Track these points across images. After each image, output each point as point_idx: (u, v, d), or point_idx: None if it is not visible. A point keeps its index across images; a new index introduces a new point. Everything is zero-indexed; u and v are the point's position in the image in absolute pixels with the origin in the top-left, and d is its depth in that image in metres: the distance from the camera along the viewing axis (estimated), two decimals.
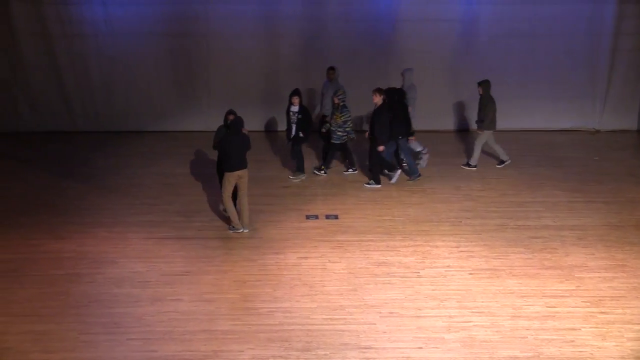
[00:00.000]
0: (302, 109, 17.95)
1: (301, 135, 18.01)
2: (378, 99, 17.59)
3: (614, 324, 12.42)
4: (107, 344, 11.84)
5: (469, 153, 19.86)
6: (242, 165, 15.23)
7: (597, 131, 22.46)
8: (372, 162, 18.04)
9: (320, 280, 13.74)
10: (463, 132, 22.18)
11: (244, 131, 15.28)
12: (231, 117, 15.41)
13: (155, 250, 14.81)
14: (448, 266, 14.28)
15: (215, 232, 15.43)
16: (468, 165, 19.24)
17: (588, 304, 12.99)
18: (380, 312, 12.72)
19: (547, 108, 22.12)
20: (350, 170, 18.76)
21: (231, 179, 15.18)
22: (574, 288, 13.50)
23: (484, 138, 19.05)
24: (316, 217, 16.39)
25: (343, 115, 17.96)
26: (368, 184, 18.02)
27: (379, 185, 17.98)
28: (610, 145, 21.34)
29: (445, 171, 18.98)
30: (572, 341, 11.97)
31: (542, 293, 13.34)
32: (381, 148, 17.64)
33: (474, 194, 17.62)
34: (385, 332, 12.17)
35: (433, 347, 11.80)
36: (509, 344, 11.88)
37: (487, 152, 19.73)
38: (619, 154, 20.62)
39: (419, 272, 14.04)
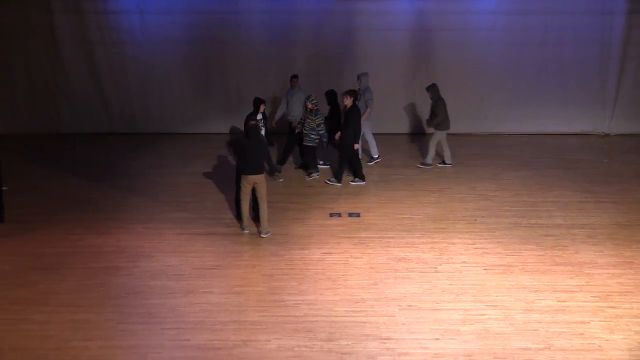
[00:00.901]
0: (265, 115, 17.96)
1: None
2: (349, 101, 17.65)
3: (622, 317, 12.36)
4: (143, 332, 11.91)
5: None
6: (257, 171, 15.02)
7: (607, 135, 22.36)
8: (342, 161, 18.07)
9: (343, 275, 13.77)
10: (482, 135, 22.11)
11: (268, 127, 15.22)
12: (251, 122, 15.51)
13: (188, 245, 14.88)
14: (464, 262, 14.27)
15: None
16: (423, 164, 19.28)
17: (597, 298, 12.94)
18: (400, 305, 12.72)
19: (559, 113, 22.04)
20: (314, 174, 18.69)
21: (246, 182, 15.06)
22: (584, 283, 13.45)
23: (437, 138, 19.09)
24: (339, 215, 16.40)
25: (317, 119, 17.93)
26: (329, 180, 18.15)
27: (340, 184, 18.06)
28: (619, 149, 21.23)
29: (462, 172, 18.95)
30: (582, 334, 11.94)
31: (553, 288, 13.30)
32: (356, 146, 17.82)
33: (488, 194, 17.58)
34: (404, 324, 12.18)
35: (449, 339, 11.79)
36: (522, 336, 11.86)
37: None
38: (628, 156, 20.51)
39: (436, 268, 14.04)
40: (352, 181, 18.20)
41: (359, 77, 19.13)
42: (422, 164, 19.32)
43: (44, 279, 13.55)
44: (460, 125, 21.94)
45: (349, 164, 18.20)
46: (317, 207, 16.77)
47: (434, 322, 12.21)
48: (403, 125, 22.05)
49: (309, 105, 17.89)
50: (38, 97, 22.05)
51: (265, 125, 17.80)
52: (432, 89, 18.96)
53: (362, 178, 18.21)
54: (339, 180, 18.06)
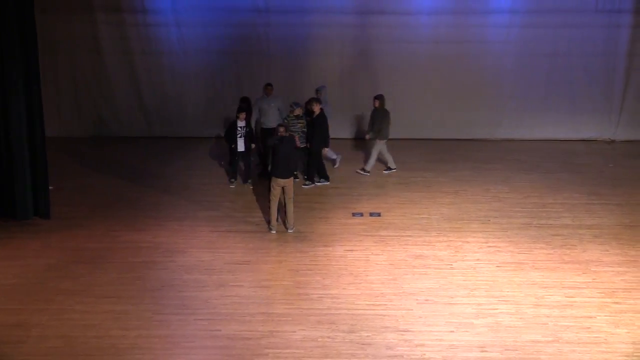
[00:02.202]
0: (248, 122, 17.81)
1: (253, 146, 17.93)
2: (317, 109, 17.55)
3: (626, 313, 12.29)
4: (177, 323, 11.94)
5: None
6: (286, 175, 15.11)
7: (613, 141, 22.13)
8: (313, 165, 18.01)
9: (364, 270, 13.74)
10: (497, 141, 21.98)
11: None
12: (282, 129, 15.47)
13: (219, 242, 14.90)
14: (477, 259, 14.20)
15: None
16: (363, 170, 18.97)
17: (603, 295, 12.86)
18: (417, 299, 12.69)
19: (568, 120, 21.85)
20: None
21: (275, 184, 15.11)
22: (590, 280, 13.36)
23: (379, 146, 18.75)
24: (361, 214, 16.36)
25: (301, 122, 17.82)
26: (305, 184, 17.99)
27: (314, 184, 17.99)
28: (624, 154, 21.01)
29: (476, 175, 18.84)
30: (589, 328, 11.86)
31: (562, 284, 13.22)
32: (326, 150, 17.73)
33: (501, 196, 17.48)
34: (421, 317, 12.14)
35: (463, 331, 11.75)
36: (532, 330, 11.80)
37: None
38: (632, 161, 20.31)
39: (451, 265, 13.98)
40: (317, 181, 18.13)
41: (318, 90, 18.83)
42: (362, 170, 18.97)
43: (86, 272, 13.62)
44: (477, 131, 21.89)
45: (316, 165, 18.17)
46: (340, 207, 16.74)
47: (449, 316, 12.18)
48: (420, 131, 21.92)
49: (298, 112, 17.69)
50: (82, 103, 22.15)
51: (245, 133, 17.61)
52: (381, 99, 18.52)
53: (327, 178, 18.24)
54: (326, 178, 18.07)
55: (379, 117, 18.46)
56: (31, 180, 15.58)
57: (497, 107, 21.82)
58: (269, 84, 18.67)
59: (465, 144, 21.21)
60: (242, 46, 21.58)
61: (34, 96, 15.22)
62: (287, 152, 15.11)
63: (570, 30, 21.16)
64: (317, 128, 17.55)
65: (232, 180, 18.08)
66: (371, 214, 16.37)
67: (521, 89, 21.70)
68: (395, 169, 19.04)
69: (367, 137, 18.89)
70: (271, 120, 18.26)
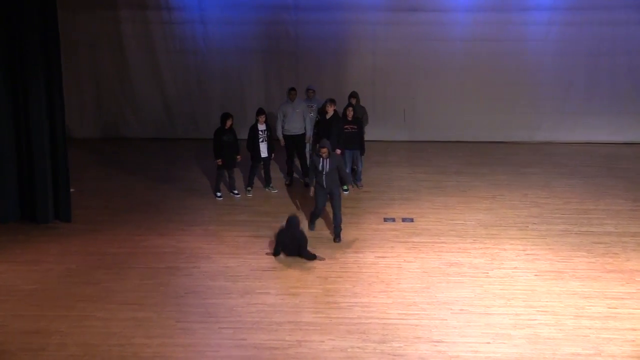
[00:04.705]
0: (268, 126, 17.54)
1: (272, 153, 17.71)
2: (331, 110, 17.52)
3: None
4: (201, 332, 11.98)
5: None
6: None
7: None
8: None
9: (396, 278, 13.71)
10: (535, 144, 21.86)
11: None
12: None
13: (245, 247, 14.94)
14: (515, 267, 14.13)
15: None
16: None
17: None
18: (452, 309, 12.64)
19: (611, 122, 21.66)
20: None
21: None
22: (635, 291, 13.24)
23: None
24: (393, 220, 16.34)
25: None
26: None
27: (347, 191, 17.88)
28: None
29: (514, 180, 18.75)
30: (633, 340, 11.76)
31: (604, 295, 13.11)
32: (338, 151, 17.26)
33: (540, 201, 17.37)
34: (455, 328, 12.09)
35: (500, 343, 11.69)
36: (572, 342, 11.72)
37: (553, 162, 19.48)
38: None
39: (487, 273, 13.92)
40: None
41: (313, 90, 18.77)
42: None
43: (108, 278, 13.71)
44: (514, 133, 21.77)
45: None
46: (372, 212, 16.72)
47: (485, 326, 12.12)
48: (455, 133, 21.84)
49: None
50: (105, 103, 22.30)
51: (267, 137, 17.47)
52: (357, 96, 18.53)
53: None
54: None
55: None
56: (52, 182, 15.74)
57: (535, 109, 21.71)
58: (292, 89, 18.40)
59: (502, 146, 21.09)
60: (270, 45, 21.63)
61: (55, 97, 15.35)
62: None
63: (614, 28, 20.99)
64: (333, 129, 17.48)
65: (249, 188, 17.92)
66: (403, 220, 16.34)
67: (561, 90, 21.55)
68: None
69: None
70: (296, 126, 18.09)
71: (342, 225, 15.31)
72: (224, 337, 11.84)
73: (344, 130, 17.45)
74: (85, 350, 11.53)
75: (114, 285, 13.46)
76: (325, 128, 17.58)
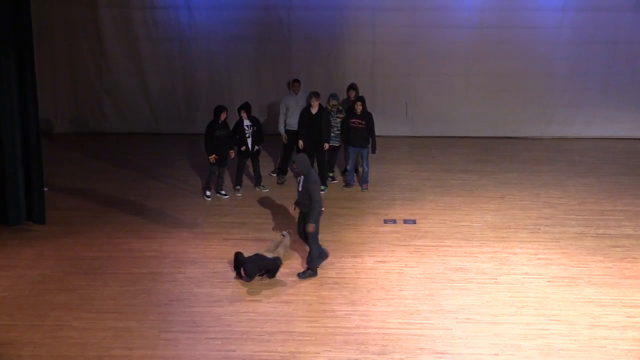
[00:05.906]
0: (254, 120, 17.58)
1: (257, 148, 17.68)
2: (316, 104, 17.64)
3: None
4: (187, 342, 11.98)
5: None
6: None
7: None
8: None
9: (397, 285, 13.73)
10: (547, 139, 21.93)
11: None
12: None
13: (234, 251, 14.92)
14: (526, 273, 14.16)
15: (294, 235, 15.28)
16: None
17: None
18: (457, 318, 12.66)
19: (630, 116, 21.77)
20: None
21: None
22: None
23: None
24: (394, 221, 16.38)
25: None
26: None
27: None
28: None
29: (525, 178, 18.81)
30: None
31: (622, 303, 13.13)
32: (326, 146, 17.60)
33: (552, 202, 17.43)
34: (461, 338, 12.11)
35: (510, 354, 11.71)
36: (587, 353, 11.73)
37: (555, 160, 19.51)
38: None
39: (496, 279, 13.95)
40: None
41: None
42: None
43: (85, 284, 13.71)
44: (525, 128, 21.84)
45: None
46: (371, 213, 16.76)
47: (494, 337, 12.14)
48: (460, 128, 21.91)
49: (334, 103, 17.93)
50: (81, 95, 22.31)
51: (253, 132, 17.48)
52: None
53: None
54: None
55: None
56: (24, 181, 15.68)
57: (548, 102, 21.80)
58: (296, 80, 18.44)
59: (512, 142, 21.16)
60: (261, 32, 21.67)
61: (28, 88, 15.26)
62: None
63: (633, 14, 21.07)
64: (322, 125, 17.52)
65: (238, 187, 17.95)
66: (405, 221, 16.38)
67: (576, 81, 21.65)
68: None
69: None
70: (294, 121, 18.15)
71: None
72: (211, 349, 11.84)
73: (350, 125, 17.62)
74: None
75: (91, 292, 13.45)
76: (310, 124, 17.62)
